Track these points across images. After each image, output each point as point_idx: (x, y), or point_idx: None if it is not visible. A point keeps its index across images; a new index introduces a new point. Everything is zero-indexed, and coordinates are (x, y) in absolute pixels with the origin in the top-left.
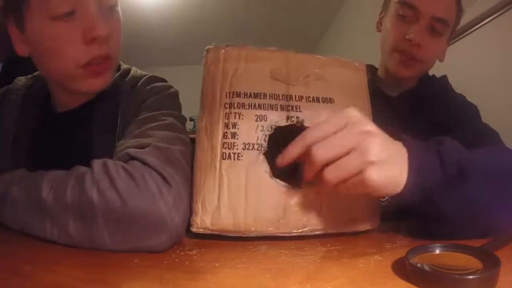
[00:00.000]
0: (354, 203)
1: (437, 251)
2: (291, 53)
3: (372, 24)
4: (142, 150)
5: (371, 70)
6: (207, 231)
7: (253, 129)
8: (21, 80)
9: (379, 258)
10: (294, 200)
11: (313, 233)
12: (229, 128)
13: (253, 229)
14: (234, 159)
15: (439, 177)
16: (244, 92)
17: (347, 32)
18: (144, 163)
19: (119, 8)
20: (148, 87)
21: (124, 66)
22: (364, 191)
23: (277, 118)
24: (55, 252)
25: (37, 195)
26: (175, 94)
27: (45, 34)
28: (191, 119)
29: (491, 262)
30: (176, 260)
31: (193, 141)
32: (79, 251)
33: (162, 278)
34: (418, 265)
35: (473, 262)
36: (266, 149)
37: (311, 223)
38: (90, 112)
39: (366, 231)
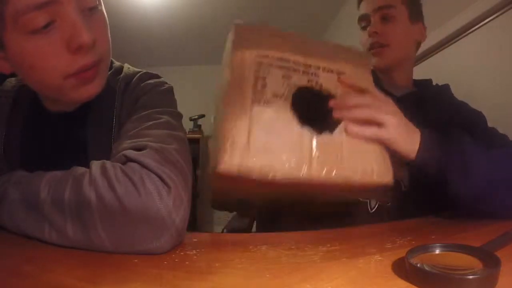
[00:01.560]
0: (370, 155)
1: (437, 251)
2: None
3: None
4: (140, 152)
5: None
6: (233, 172)
7: (280, 84)
8: (11, 81)
9: (379, 258)
10: (318, 147)
11: (333, 181)
12: (259, 80)
13: (278, 174)
14: (264, 105)
15: (446, 150)
16: (271, 55)
17: (348, 31)
18: (142, 165)
19: (102, 8)
20: (142, 84)
21: (116, 63)
22: (384, 139)
23: (299, 80)
24: (55, 252)
25: (35, 197)
26: (169, 90)
27: (26, 50)
28: (191, 119)
29: (491, 262)
30: (176, 260)
31: (192, 140)
32: (79, 251)
33: (162, 278)
34: (418, 265)
35: (473, 262)
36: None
37: (333, 170)
38: (84, 112)
39: (366, 232)
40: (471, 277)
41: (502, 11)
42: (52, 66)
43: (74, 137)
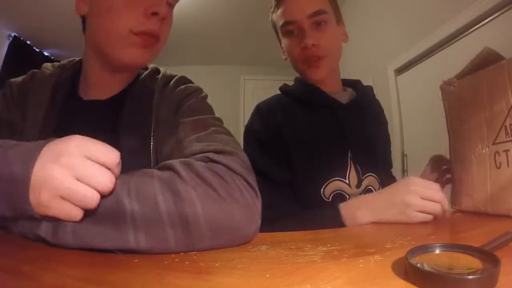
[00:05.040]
0: None
1: (437, 251)
2: None
3: (376, 16)
4: (223, 155)
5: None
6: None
7: None
8: (48, 68)
9: (379, 258)
10: None
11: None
12: None
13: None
14: None
15: None
16: None
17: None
18: (230, 168)
19: (173, 9)
20: (183, 86)
21: (152, 65)
22: None
23: None
24: (55, 252)
25: (115, 205)
26: (207, 96)
27: None
28: None
29: (491, 262)
30: (176, 260)
31: None
32: (79, 251)
33: (162, 278)
34: (418, 265)
35: (473, 262)
36: None
37: None
38: (119, 103)
39: (366, 232)
40: (471, 277)
41: (502, 11)
42: (126, 18)
43: (105, 124)
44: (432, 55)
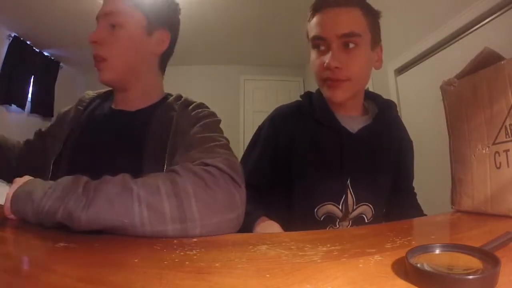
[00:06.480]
0: None
1: (437, 251)
2: None
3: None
4: (215, 159)
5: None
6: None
7: None
8: (89, 93)
9: (379, 258)
10: None
11: None
12: None
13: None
14: None
15: None
16: None
17: None
18: (218, 168)
19: (124, 29)
20: (200, 109)
21: (177, 94)
22: None
23: None
24: (55, 252)
25: (125, 186)
26: (220, 121)
27: None
28: None
29: (491, 262)
30: (176, 260)
31: None
32: (79, 251)
33: (162, 278)
34: (418, 265)
35: (473, 262)
36: None
37: None
38: (146, 116)
39: (366, 232)
40: (471, 277)
41: (502, 11)
42: None
43: (132, 132)
44: (432, 55)
